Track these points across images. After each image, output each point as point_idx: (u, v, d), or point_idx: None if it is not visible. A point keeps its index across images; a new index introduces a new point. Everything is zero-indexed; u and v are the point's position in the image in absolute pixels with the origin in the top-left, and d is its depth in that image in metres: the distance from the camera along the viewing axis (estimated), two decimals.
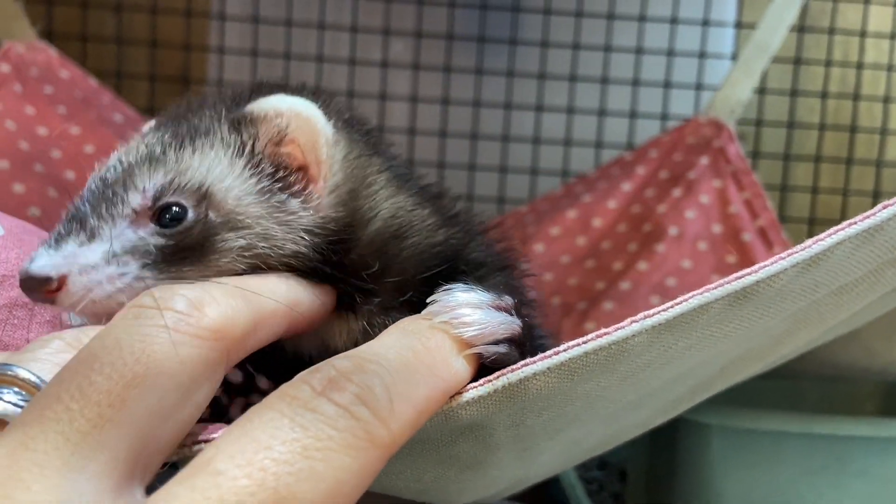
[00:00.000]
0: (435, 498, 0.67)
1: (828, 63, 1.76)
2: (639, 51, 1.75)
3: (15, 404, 0.43)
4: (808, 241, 0.52)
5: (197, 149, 0.62)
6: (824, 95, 1.77)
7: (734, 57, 1.73)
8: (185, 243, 0.59)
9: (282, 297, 0.54)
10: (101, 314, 0.56)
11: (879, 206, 0.53)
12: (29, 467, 0.36)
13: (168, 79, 1.74)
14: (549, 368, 0.49)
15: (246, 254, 0.60)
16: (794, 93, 1.77)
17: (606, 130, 1.77)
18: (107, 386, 0.40)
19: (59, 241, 0.57)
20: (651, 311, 0.50)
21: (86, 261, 0.57)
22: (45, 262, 0.56)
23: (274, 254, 0.60)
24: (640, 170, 1.41)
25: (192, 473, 0.38)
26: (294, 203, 0.62)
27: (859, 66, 1.76)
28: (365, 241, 0.64)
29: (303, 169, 0.63)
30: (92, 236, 0.58)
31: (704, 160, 1.36)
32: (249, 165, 0.62)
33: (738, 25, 1.78)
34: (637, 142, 1.66)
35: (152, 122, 0.70)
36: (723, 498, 1.03)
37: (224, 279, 0.54)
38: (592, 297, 1.30)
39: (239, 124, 0.63)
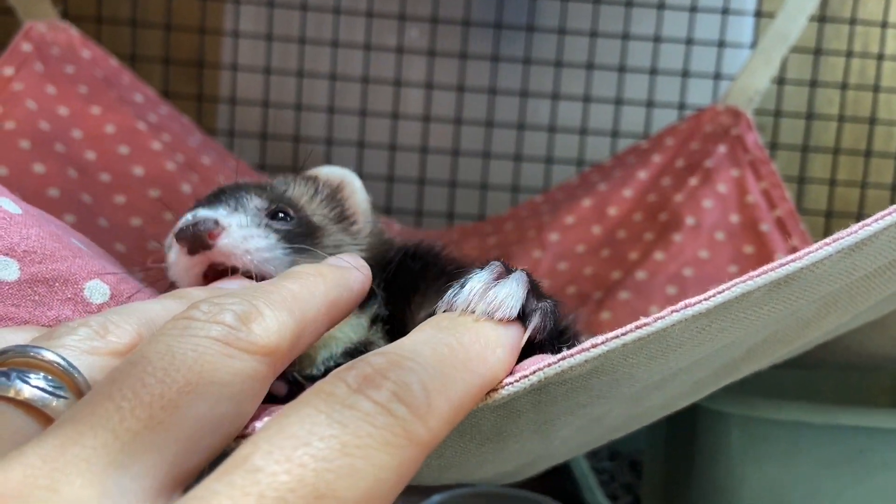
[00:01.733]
0: (455, 475, 0.67)
1: (848, 54, 1.74)
2: (657, 39, 1.74)
3: (43, 389, 0.43)
4: (855, 227, 0.51)
5: (283, 185, 0.81)
6: (844, 87, 1.76)
7: (753, 46, 1.72)
8: (296, 232, 0.73)
9: (323, 299, 0.55)
10: (244, 267, 0.66)
11: None
12: (76, 462, 0.36)
13: (182, 62, 1.74)
14: (586, 361, 0.49)
15: (333, 252, 0.72)
16: (813, 83, 1.76)
17: (623, 119, 1.76)
18: (160, 389, 0.40)
19: (211, 204, 0.69)
20: (692, 301, 0.49)
21: (240, 220, 0.68)
22: (209, 212, 0.67)
23: (337, 245, 0.76)
24: (657, 158, 1.40)
25: (230, 470, 0.37)
26: (350, 227, 0.81)
27: (880, 57, 1.75)
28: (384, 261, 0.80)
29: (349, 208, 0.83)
30: (236, 209, 0.69)
31: (722, 149, 1.35)
32: (321, 198, 0.81)
33: (758, 14, 1.76)
34: (654, 131, 1.64)
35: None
36: (742, 489, 1.03)
37: (267, 285, 0.55)
38: (608, 287, 1.30)
39: (308, 179, 0.83)
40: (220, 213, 0.67)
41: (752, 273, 0.50)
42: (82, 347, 0.47)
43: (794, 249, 1.24)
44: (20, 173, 1.10)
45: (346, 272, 0.60)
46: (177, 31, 1.72)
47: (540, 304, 0.56)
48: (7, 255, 0.62)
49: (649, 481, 1.30)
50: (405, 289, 0.75)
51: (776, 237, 1.26)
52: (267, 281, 0.56)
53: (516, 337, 0.54)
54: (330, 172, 0.86)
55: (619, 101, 1.76)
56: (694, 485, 1.10)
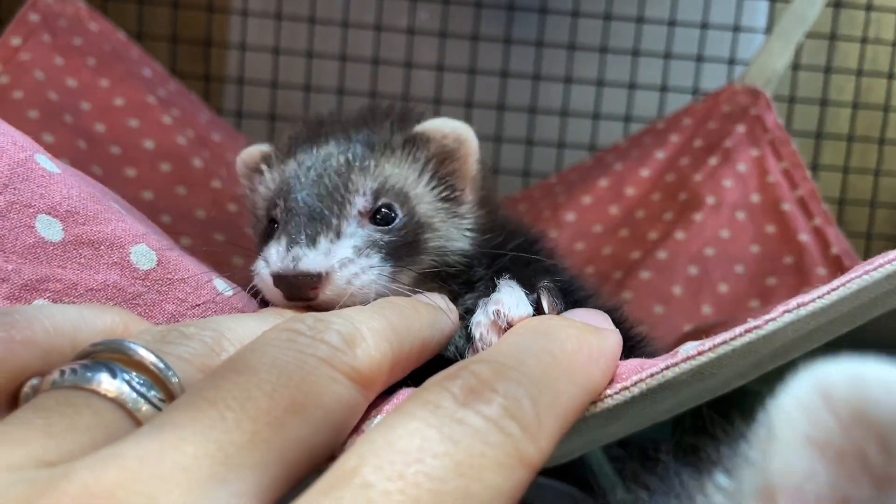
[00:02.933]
0: None
1: (863, 40, 1.72)
2: (671, 23, 1.72)
3: (133, 387, 0.40)
4: None
5: (389, 161, 0.73)
6: (859, 73, 1.74)
7: (767, 31, 1.70)
8: (403, 239, 0.69)
9: (418, 335, 0.53)
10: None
11: None
12: (175, 470, 0.34)
13: (190, 41, 1.71)
14: (692, 369, 0.47)
15: (438, 252, 0.71)
16: (828, 69, 1.74)
17: (636, 104, 1.74)
18: (267, 405, 0.38)
19: (312, 239, 0.64)
20: (806, 299, 0.47)
21: (343, 257, 0.63)
22: (314, 260, 0.62)
23: (451, 251, 0.72)
24: (674, 138, 1.38)
25: (336, 484, 0.34)
26: (457, 208, 0.75)
27: (895, 44, 1.73)
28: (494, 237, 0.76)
29: (456, 179, 0.76)
30: (338, 235, 0.65)
31: (741, 128, 1.33)
32: (428, 177, 0.74)
33: None
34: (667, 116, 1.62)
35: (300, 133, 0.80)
36: None
37: (369, 310, 0.52)
38: (628, 267, 1.28)
39: (412, 142, 0.74)
40: (322, 254, 0.63)
41: (866, 267, 0.49)
42: (194, 363, 0.45)
43: (816, 230, 1.23)
44: None
45: (440, 314, 0.58)
46: (184, 9, 1.69)
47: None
48: (49, 213, 0.60)
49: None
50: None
51: (798, 217, 1.24)
52: (368, 306, 0.53)
53: (617, 345, 0.52)
54: (444, 131, 0.75)
55: (632, 86, 1.74)
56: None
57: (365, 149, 0.73)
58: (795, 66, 1.70)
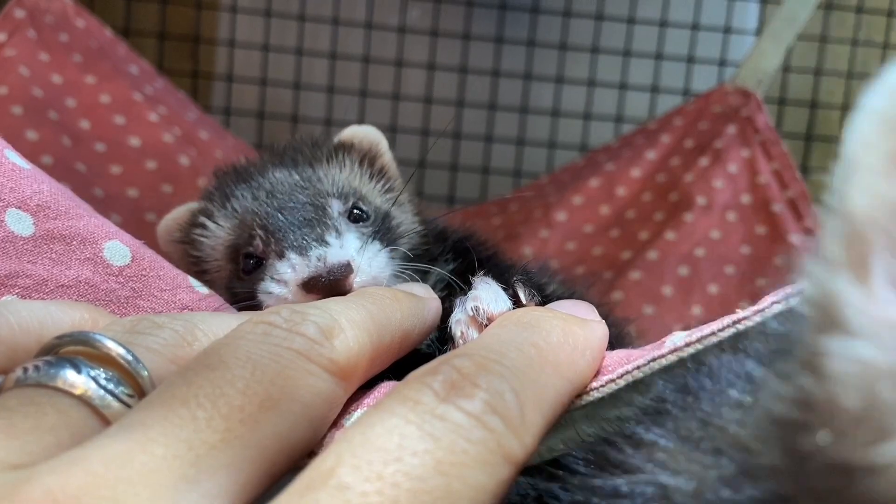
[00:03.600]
0: None
1: (854, 42, 1.73)
2: (662, 24, 1.72)
3: (102, 385, 0.39)
4: None
5: (331, 168, 0.77)
6: (849, 75, 1.74)
7: (758, 33, 1.70)
8: (380, 230, 0.72)
9: (399, 326, 0.51)
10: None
11: None
12: (143, 472, 0.33)
13: (178, 37, 1.69)
14: (679, 360, 0.46)
15: (403, 236, 0.74)
16: (818, 72, 1.74)
17: (627, 104, 1.74)
18: (240, 402, 0.37)
19: (319, 240, 0.65)
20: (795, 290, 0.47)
21: (355, 245, 0.66)
22: (338, 252, 0.64)
23: (411, 232, 0.76)
24: (665, 138, 1.38)
25: (313, 485, 0.33)
26: (397, 195, 0.80)
27: (885, 46, 1.74)
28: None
29: (385, 170, 0.82)
30: (338, 232, 0.67)
31: (732, 129, 1.33)
32: (367, 174, 0.79)
33: (764, 1, 1.75)
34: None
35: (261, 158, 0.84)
36: None
37: (347, 301, 0.51)
38: (618, 267, 1.27)
39: (339, 151, 0.79)
40: (338, 246, 0.65)
41: None
42: (164, 354, 0.43)
43: (807, 230, 1.22)
44: (12, 139, 1.03)
45: (421, 303, 0.56)
46: (172, 5, 1.67)
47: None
48: (19, 207, 0.58)
49: None
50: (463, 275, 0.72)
51: (789, 218, 1.24)
52: (346, 297, 0.52)
53: (603, 336, 0.50)
54: (360, 135, 0.83)
55: (623, 86, 1.74)
56: None
57: (305, 165, 0.76)
58: (786, 68, 1.70)
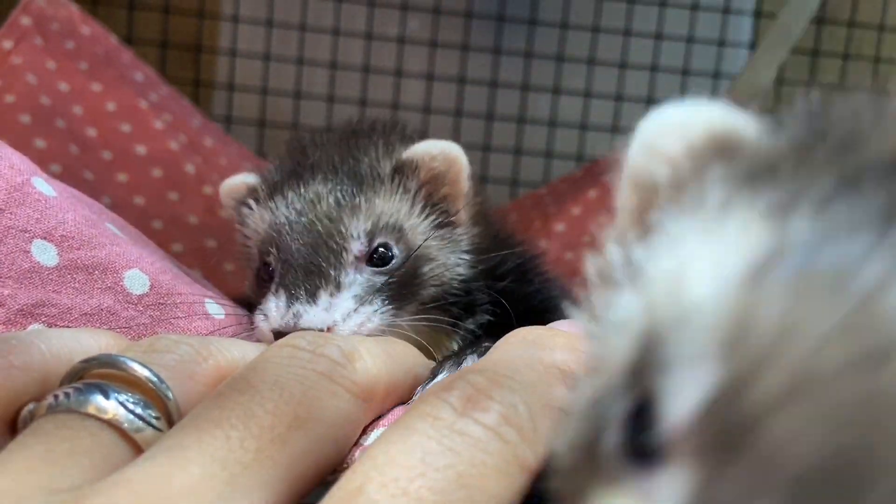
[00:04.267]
0: None
1: (846, 56, 1.76)
2: (658, 36, 1.75)
3: (131, 410, 0.40)
4: None
5: (379, 195, 0.72)
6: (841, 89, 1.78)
7: (751, 46, 1.73)
8: (401, 278, 0.69)
9: (412, 369, 0.55)
10: None
11: None
12: (183, 491, 0.34)
13: (180, 46, 1.70)
14: None
15: (436, 281, 0.71)
16: (810, 85, 1.77)
17: (623, 115, 1.76)
18: (270, 422, 0.39)
19: (312, 294, 0.65)
20: None
21: (345, 309, 0.65)
22: (315, 317, 0.64)
23: (449, 277, 0.72)
24: None
25: (343, 503, 0.35)
26: (452, 232, 0.75)
27: (876, 59, 1.77)
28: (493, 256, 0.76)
29: (448, 199, 0.75)
30: (338, 287, 0.66)
31: None
32: (420, 205, 0.73)
33: (757, 14, 1.78)
34: None
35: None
36: None
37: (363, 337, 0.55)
38: None
39: (401, 170, 0.73)
40: (322, 310, 0.65)
41: None
42: (182, 371, 0.45)
43: None
44: (21, 148, 1.04)
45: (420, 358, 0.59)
46: (174, 15, 1.69)
47: None
48: (45, 238, 0.60)
49: None
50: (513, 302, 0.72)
51: None
52: (362, 337, 0.56)
53: None
54: (432, 153, 0.74)
55: (619, 98, 1.76)
56: None
57: (353, 184, 0.72)
58: (779, 81, 1.73)
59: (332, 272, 0.67)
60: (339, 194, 0.71)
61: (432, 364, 0.58)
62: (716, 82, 1.74)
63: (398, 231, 0.71)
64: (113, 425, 0.40)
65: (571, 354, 0.49)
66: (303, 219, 0.70)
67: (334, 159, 0.75)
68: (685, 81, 1.75)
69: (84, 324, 0.60)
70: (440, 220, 0.74)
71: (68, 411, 0.40)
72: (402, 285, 0.69)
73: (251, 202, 0.77)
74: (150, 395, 0.42)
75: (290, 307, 0.65)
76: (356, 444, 0.46)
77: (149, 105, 1.24)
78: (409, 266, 0.70)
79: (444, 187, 0.75)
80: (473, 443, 0.37)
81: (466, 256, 0.74)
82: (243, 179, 0.81)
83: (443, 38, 1.75)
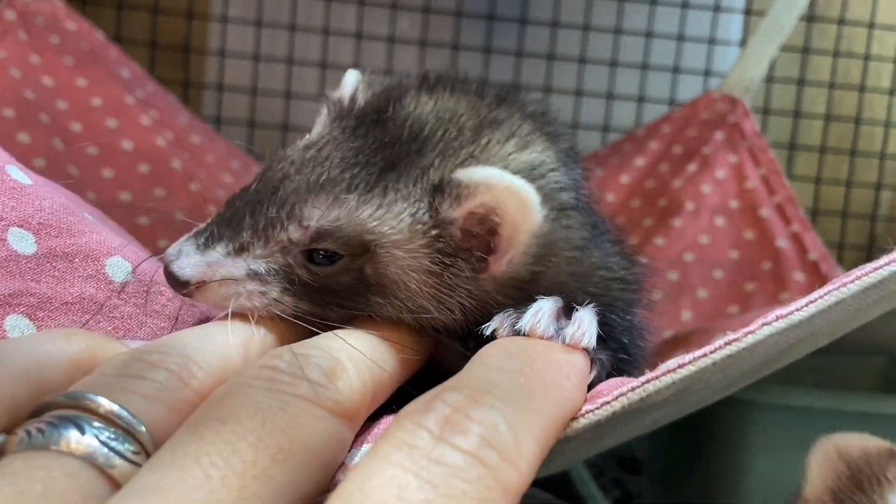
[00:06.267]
0: None
1: (835, 54, 1.76)
2: (648, 34, 1.75)
3: (107, 445, 0.38)
4: None
5: (383, 204, 0.56)
6: (831, 86, 1.78)
7: (742, 44, 1.73)
8: (329, 286, 0.56)
9: (394, 366, 0.52)
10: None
11: None
12: None
13: (169, 46, 1.69)
14: (673, 382, 0.47)
15: (388, 317, 0.57)
16: (800, 82, 1.77)
17: (614, 114, 1.76)
18: (252, 456, 0.37)
19: (207, 243, 0.56)
20: (783, 312, 0.47)
21: (227, 273, 0.55)
22: (187, 266, 0.55)
23: (419, 323, 0.57)
24: (653, 145, 1.40)
25: None
26: (461, 271, 0.56)
27: (866, 57, 1.77)
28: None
29: (490, 244, 0.56)
30: (241, 249, 0.55)
31: (719, 135, 1.35)
32: (430, 236, 0.56)
33: (748, 12, 1.78)
34: None
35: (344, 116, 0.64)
36: (750, 475, 1.01)
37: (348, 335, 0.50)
38: None
39: (442, 188, 0.55)
40: (204, 263, 0.55)
41: (843, 280, 0.49)
42: (163, 401, 0.42)
43: (794, 235, 1.24)
44: (4, 142, 1.04)
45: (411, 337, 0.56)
46: (163, 15, 1.68)
47: (600, 356, 0.53)
48: (21, 226, 0.58)
49: (650, 472, 1.28)
50: None
51: (776, 223, 1.26)
52: (345, 331, 0.51)
53: (585, 362, 0.51)
54: (483, 181, 0.54)
55: (610, 96, 1.76)
56: (699, 472, 1.08)
57: (369, 172, 0.57)
58: (769, 79, 1.73)
59: (246, 235, 0.56)
60: (345, 173, 0.57)
61: (425, 343, 0.55)
62: (706, 80, 1.74)
63: (364, 248, 0.56)
64: (90, 462, 0.37)
65: (551, 364, 0.48)
66: (282, 170, 0.59)
67: (401, 130, 0.59)
68: (676, 79, 1.75)
69: (64, 313, 0.58)
70: (454, 260, 0.56)
71: (41, 448, 0.37)
72: (325, 290, 0.56)
73: (324, 111, 0.65)
74: (123, 429, 0.40)
75: (184, 243, 0.56)
76: (342, 465, 0.45)
77: (135, 101, 1.23)
78: (349, 283, 0.56)
79: (489, 224, 0.56)
80: (452, 472, 0.36)
81: (461, 304, 0.57)
82: (354, 75, 0.68)
83: (433, 37, 1.75)
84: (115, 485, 0.37)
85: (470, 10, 1.75)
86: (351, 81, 0.67)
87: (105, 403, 0.40)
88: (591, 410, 0.47)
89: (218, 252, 0.55)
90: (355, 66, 1.71)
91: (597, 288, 0.62)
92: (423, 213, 0.56)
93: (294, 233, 0.55)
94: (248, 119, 1.72)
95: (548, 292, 0.55)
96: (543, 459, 0.41)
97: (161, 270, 0.57)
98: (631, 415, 0.50)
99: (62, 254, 0.59)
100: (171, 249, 0.56)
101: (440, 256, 0.56)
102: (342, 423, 0.43)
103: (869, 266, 0.49)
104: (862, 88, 1.78)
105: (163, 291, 0.63)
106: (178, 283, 0.55)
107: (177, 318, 0.62)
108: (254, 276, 0.55)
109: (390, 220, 0.56)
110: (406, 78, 0.67)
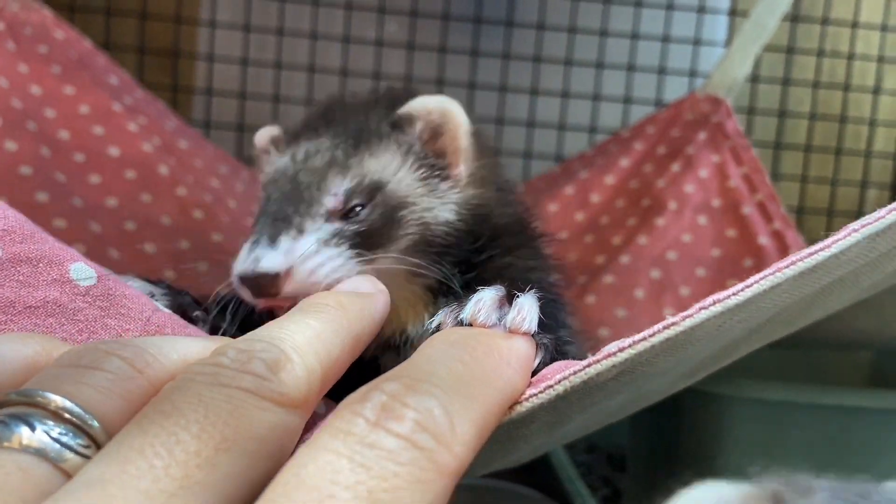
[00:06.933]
0: None
1: (820, 53, 1.78)
2: (634, 36, 1.76)
3: (58, 440, 0.38)
4: (881, 211, 0.51)
5: (373, 153, 0.74)
6: (816, 85, 1.79)
7: (727, 45, 1.74)
8: (374, 226, 0.70)
9: (347, 335, 0.52)
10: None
11: None
12: None
13: (157, 51, 1.71)
14: (613, 365, 0.48)
15: (417, 224, 0.72)
16: (785, 82, 1.79)
17: (601, 115, 1.77)
18: (195, 446, 0.37)
19: (273, 238, 0.66)
20: (721, 296, 0.49)
21: (304, 250, 0.66)
22: (271, 261, 0.65)
23: (431, 221, 0.73)
24: (638, 146, 1.41)
25: None
26: (442, 182, 0.76)
27: (850, 56, 1.79)
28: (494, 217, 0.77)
29: (446, 155, 0.76)
30: (300, 231, 0.67)
31: (702, 135, 1.36)
32: (412, 158, 0.75)
33: (732, 13, 1.79)
34: None
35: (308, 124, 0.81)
36: (726, 470, 1.02)
37: (291, 323, 0.51)
38: (592, 271, 1.30)
39: (399, 124, 0.76)
40: (282, 253, 0.65)
41: (779, 265, 0.50)
42: (114, 391, 0.42)
43: (775, 233, 1.26)
44: None
45: (368, 300, 0.57)
46: (152, 20, 1.69)
47: (544, 340, 0.55)
48: None
49: (633, 469, 1.29)
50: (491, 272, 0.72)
51: (758, 220, 1.27)
52: (289, 316, 0.52)
53: (529, 348, 0.52)
54: (428, 107, 0.76)
55: (596, 97, 1.77)
56: (678, 467, 1.09)
57: (350, 144, 0.74)
58: (754, 78, 1.74)
59: (298, 219, 0.68)
60: (336, 151, 0.73)
61: (371, 305, 0.57)
62: (692, 80, 1.76)
63: (377, 187, 0.72)
64: (43, 457, 0.38)
65: (492, 351, 0.48)
66: (291, 171, 0.72)
67: (349, 117, 0.78)
68: (661, 80, 1.77)
69: (28, 317, 0.58)
70: (429, 172, 0.75)
71: None
72: (374, 232, 0.70)
73: (272, 149, 0.80)
74: (75, 425, 0.40)
75: (251, 252, 0.65)
76: (294, 451, 0.46)
77: (123, 108, 1.24)
78: (384, 212, 0.71)
79: (442, 140, 0.76)
80: (385, 455, 0.37)
81: (455, 206, 0.75)
82: (271, 129, 0.84)
83: (420, 40, 1.76)
84: (70, 478, 0.38)
85: (457, 13, 1.76)
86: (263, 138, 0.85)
87: (55, 399, 0.40)
88: (535, 395, 0.48)
89: (284, 241, 0.66)
90: (343, 69, 1.73)
91: (534, 260, 0.79)
92: (397, 147, 0.75)
93: (330, 203, 0.70)
94: (237, 123, 1.73)
95: (496, 234, 0.76)
96: (482, 442, 0.42)
97: (228, 284, 0.67)
98: (581, 399, 0.52)
99: (27, 259, 0.59)
100: (243, 261, 0.66)
101: (424, 171, 0.75)
102: (289, 413, 0.43)
103: (804, 252, 0.50)
104: (846, 87, 1.80)
105: (127, 295, 0.63)
106: (271, 280, 0.64)
107: (147, 319, 0.63)
108: (322, 243, 0.67)
109: (382, 160, 0.74)
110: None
